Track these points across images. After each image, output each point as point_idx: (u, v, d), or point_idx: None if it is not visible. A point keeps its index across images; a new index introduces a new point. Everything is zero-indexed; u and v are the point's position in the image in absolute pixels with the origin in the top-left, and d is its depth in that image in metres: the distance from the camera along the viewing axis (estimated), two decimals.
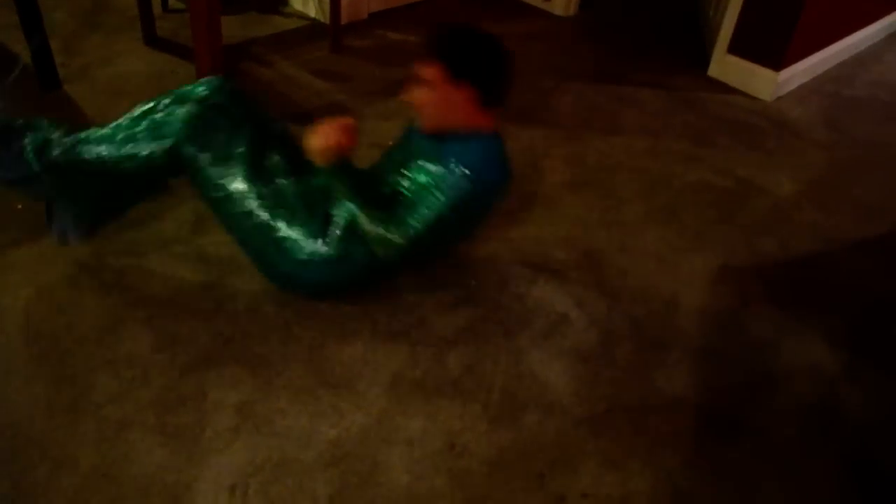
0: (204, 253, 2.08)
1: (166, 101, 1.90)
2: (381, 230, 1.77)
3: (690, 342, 2.01)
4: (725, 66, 3.54)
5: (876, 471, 1.76)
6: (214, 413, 1.65)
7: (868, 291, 2.32)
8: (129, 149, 1.85)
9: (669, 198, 2.61)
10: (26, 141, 1.88)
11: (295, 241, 1.84)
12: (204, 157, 1.84)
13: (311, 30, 3.56)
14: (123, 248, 2.06)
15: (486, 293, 2.08)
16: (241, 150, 1.86)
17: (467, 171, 1.78)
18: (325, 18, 3.58)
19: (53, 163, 1.88)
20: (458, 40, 1.87)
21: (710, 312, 2.13)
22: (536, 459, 1.64)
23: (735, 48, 3.48)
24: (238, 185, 1.84)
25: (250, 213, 1.84)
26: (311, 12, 3.68)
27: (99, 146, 1.87)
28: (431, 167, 1.82)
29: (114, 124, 1.92)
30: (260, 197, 1.84)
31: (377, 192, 1.87)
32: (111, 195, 1.99)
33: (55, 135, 1.91)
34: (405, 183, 1.85)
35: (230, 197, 1.85)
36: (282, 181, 1.89)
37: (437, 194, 1.77)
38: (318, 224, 1.84)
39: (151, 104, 1.91)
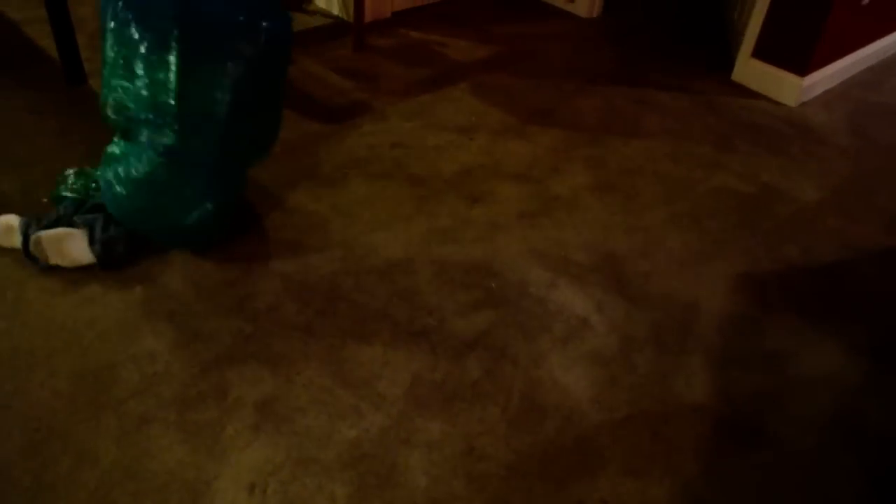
0: (226, 249, 2.09)
1: None
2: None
3: (711, 349, 2.00)
4: (749, 71, 3.51)
5: None
6: (235, 411, 1.66)
7: (890, 300, 2.29)
8: None
9: (691, 203, 2.60)
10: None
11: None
12: None
13: (335, 28, 3.57)
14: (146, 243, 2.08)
15: (507, 296, 2.07)
16: None
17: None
18: (348, 17, 3.58)
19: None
20: None
21: (731, 319, 2.11)
22: (555, 464, 1.64)
23: (759, 52, 3.45)
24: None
25: None
26: (335, 10, 3.69)
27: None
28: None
29: None
30: None
31: None
32: None
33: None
34: None
35: None
36: None
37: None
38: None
39: None
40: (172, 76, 1.81)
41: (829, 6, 3.13)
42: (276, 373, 1.76)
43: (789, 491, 1.67)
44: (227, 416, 1.64)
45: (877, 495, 1.70)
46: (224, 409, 1.66)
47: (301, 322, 1.90)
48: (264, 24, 1.88)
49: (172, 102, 1.83)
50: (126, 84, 1.85)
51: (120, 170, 1.92)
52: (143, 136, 1.90)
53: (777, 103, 3.40)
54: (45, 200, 2.16)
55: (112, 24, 1.83)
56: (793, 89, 3.37)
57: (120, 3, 1.80)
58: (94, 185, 2.07)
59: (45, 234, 1.91)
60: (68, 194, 2.06)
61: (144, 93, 1.83)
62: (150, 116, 1.85)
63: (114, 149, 1.98)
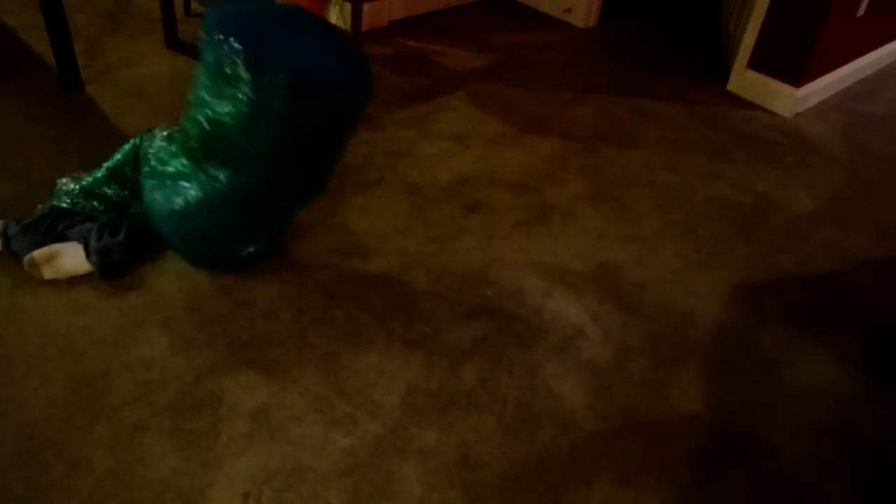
0: None
1: None
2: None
3: (706, 358, 2.00)
4: (745, 81, 3.53)
5: (891, 494, 1.74)
6: (229, 419, 1.65)
7: (885, 311, 2.30)
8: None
9: (687, 212, 2.61)
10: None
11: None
12: None
13: None
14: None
15: (502, 304, 2.08)
16: None
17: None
18: (345, 25, 3.59)
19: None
20: None
21: (726, 329, 2.12)
22: (550, 473, 1.64)
23: (755, 63, 3.47)
24: None
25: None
26: (332, 18, 3.69)
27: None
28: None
29: None
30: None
31: None
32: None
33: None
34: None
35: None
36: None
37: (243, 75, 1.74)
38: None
39: None
40: (271, 128, 1.80)
41: (823, 18, 3.15)
42: (270, 380, 1.75)
43: (784, 501, 1.67)
44: (221, 423, 1.64)
45: None
46: (218, 416, 1.65)
47: (296, 330, 1.90)
48: (359, 86, 1.91)
49: (262, 149, 1.83)
50: (226, 109, 1.79)
51: (189, 190, 1.89)
52: (220, 165, 1.86)
53: (772, 114, 3.42)
54: (41, 207, 2.15)
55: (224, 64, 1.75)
56: (788, 100, 3.38)
57: (241, 56, 1.72)
58: (83, 194, 2.07)
59: (38, 252, 1.91)
60: (65, 204, 2.06)
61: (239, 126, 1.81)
62: (242, 140, 1.82)
63: (176, 166, 1.94)
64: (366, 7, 3.41)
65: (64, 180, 2.12)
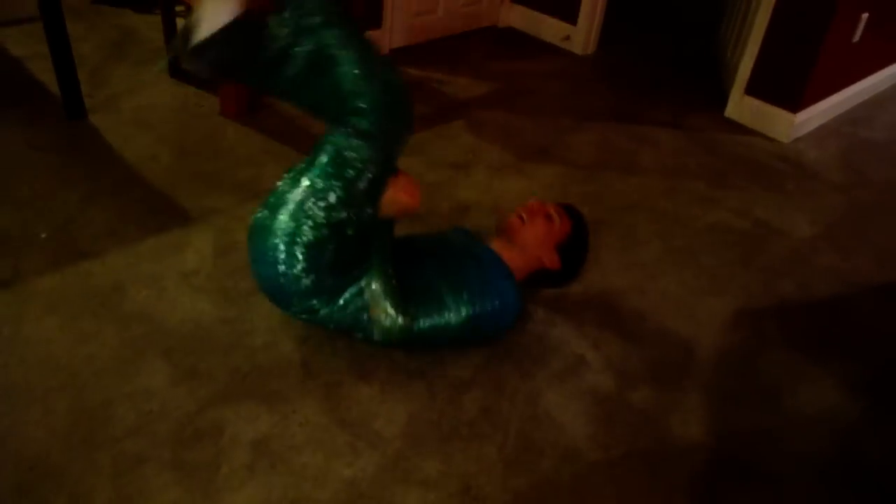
0: (223, 286, 2.10)
1: None
2: (389, 310, 1.81)
3: (708, 385, 2.00)
4: (743, 107, 3.55)
5: None
6: (230, 449, 1.65)
7: (887, 336, 2.30)
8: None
9: (687, 239, 2.62)
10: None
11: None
12: None
13: None
14: (144, 279, 2.08)
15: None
16: None
17: (499, 305, 1.91)
18: None
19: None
20: (583, 226, 2.18)
21: (728, 356, 2.12)
22: (552, 503, 1.63)
23: (753, 89, 3.50)
24: None
25: None
26: None
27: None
28: (472, 284, 1.90)
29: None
30: None
31: (403, 271, 1.89)
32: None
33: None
34: (439, 286, 1.89)
35: None
36: None
37: (463, 310, 1.86)
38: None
39: None
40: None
41: (820, 43, 3.18)
42: (272, 411, 1.75)
43: None
44: (222, 454, 1.64)
45: None
46: (220, 447, 1.65)
47: (297, 359, 1.90)
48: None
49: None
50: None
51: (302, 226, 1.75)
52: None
53: (770, 139, 3.44)
54: (44, 236, 2.16)
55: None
56: (786, 126, 3.41)
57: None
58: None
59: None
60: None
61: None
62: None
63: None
64: (366, 35, 3.44)
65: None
